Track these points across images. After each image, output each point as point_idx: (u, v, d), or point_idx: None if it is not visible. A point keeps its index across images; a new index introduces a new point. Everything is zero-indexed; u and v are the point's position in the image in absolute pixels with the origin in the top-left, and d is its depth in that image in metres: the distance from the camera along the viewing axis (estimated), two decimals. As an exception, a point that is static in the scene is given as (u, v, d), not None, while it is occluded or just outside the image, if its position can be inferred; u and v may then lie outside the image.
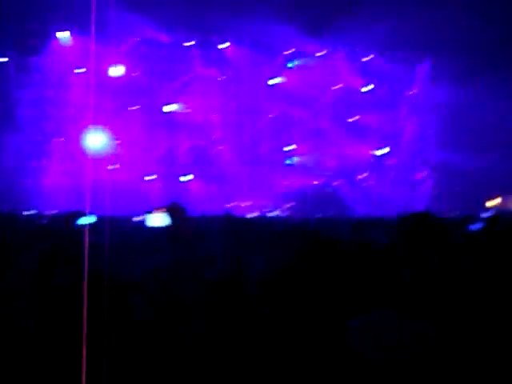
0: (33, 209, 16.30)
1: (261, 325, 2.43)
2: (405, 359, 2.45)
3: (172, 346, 2.77)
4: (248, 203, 20.83)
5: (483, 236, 5.24)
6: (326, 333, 2.36)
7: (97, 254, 3.73)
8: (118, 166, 20.81)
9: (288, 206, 21.16)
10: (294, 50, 21.74)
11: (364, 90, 22.62)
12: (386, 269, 3.32)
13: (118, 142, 20.87)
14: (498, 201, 19.95)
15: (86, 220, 3.95)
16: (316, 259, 2.53)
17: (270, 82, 21.91)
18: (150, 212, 3.43)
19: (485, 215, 6.54)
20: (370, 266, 3.39)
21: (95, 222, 3.97)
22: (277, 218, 14.62)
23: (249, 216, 14.79)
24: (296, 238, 3.10)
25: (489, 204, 19.56)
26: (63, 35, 20.10)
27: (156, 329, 2.58)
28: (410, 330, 2.63)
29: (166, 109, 21.28)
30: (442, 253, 3.84)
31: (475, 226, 6.13)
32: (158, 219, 3.41)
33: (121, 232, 4.83)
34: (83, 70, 20.27)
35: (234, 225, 5.16)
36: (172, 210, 3.22)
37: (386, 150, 23.08)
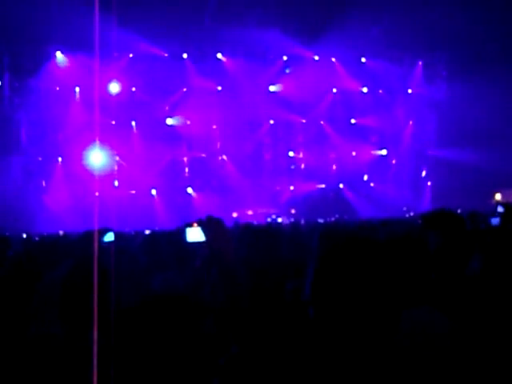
0: (38, 228, 16.29)
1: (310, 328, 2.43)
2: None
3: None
4: (254, 211, 20.85)
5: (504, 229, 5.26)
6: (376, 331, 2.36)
7: (134, 270, 3.76)
8: (121, 181, 20.88)
9: (293, 211, 21.19)
10: (289, 56, 21.77)
11: (361, 91, 22.70)
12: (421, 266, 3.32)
13: (120, 158, 20.92)
14: (499, 195, 19.99)
15: (111, 237, 3.96)
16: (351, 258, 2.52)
17: (271, 89, 21.97)
18: (187, 226, 3.40)
19: (500, 210, 6.56)
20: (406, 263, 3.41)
21: (125, 238, 3.99)
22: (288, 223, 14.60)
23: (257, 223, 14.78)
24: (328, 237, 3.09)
25: (497, 198, 19.58)
26: (59, 55, 20.14)
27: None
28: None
29: (168, 122, 21.35)
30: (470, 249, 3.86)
31: (495, 220, 6.16)
32: (197, 234, 3.39)
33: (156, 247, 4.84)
34: (79, 88, 20.35)
35: (256, 232, 5.18)
36: (208, 224, 3.19)
37: (384, 151, 23.15)
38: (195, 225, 3.24)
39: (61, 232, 7.72)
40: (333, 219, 16.79)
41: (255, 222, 15.52)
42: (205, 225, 3.24)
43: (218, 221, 3.17)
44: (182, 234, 3.26)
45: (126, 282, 3.22)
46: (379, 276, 2.26)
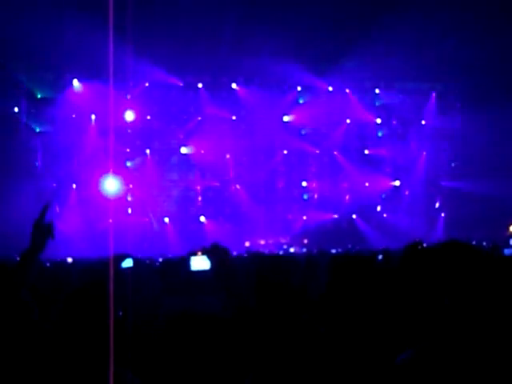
0: (52, 254, 16.31)
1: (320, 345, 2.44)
2: None
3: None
4: (266, 240, 20.82)
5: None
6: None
7: (146, 295, 3.77)
8: (134, 208, 20.95)
9: (306, 241, 21.12)
10: (303, 86, 21.88)
11: (375, 122, 22.73)
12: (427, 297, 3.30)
13: (132, 185, 21.02)
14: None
15: (129, 262, 3.98)
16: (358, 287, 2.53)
17: (285, 119, 22.07)
18: (192, 254, 3.39)
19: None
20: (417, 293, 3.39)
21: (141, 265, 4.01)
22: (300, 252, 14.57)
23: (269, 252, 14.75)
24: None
25: (511, 230, 19.43)
26: (76, 83, 20.38)
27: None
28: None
29: (182, 150, 21.46)
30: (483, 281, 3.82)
31: (509, 251, 6.11)
32: (202, 262, 3.38)
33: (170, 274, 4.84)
34: (94, 116, 20.54)
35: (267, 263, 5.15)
36: (214, 252, 3.19)
37: (397, 182, 23.10)
38: (199, 253, 3.24)
39: (69, 259, 7.70)
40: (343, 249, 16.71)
41: (267, 252, 15.53)
42: (210, 252, 3.23)
43: (223, 248, 3.18)
44: (186, 262, 3.26)
45: (141, 307, 3.23)
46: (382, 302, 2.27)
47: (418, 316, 3.32)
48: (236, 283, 3.17)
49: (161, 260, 9.23)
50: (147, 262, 8.20)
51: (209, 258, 3.26)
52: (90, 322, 2.90)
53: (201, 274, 3.56)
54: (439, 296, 3.25)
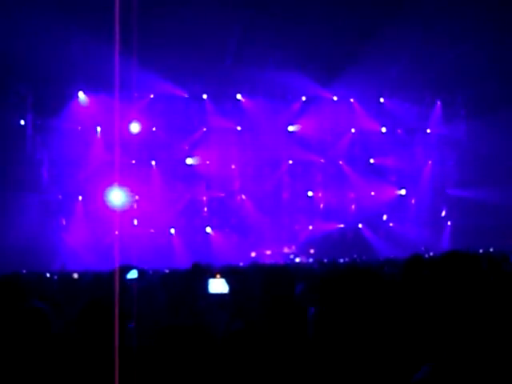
0: (58, 266, 16.36)
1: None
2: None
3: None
4: (272, 251, 20.80)
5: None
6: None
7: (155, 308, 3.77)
8: (140, 220, 20.96)
9: (312, 251, 21.09)
10: (307, 96, 21.88)
11: (380, 131, 22.71)
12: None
13: (139, 197, 21.04)
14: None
15: (134, 274, 3.98)
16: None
17: (290, 129, 22.09)
18: (211, 277, 3.38)
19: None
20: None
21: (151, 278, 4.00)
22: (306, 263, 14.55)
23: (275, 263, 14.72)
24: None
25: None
26: (81, 95, 20.45)
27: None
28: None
29: (187, 161, 21.49)
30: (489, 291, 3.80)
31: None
32: (220, 285, 3.37)
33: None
34: (100, 128, 20.60)
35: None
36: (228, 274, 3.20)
37: (403, 191, 23.07)
38: (218, 276, 3.23)
39: (75, 275, 7.70)
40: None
41: (273, 262, 15.51)
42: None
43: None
44: (204, 284, 3.24)
45: (146, 318, 3.22)
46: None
47: (423, 329, 3.31)
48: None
49: (167, 271, 9.22)
50: (152, 273, 8.21)
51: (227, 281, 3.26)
52: (101, 333, 2.91)
53: (219, 296, 3.55)
54: (442, 307, 3.24)
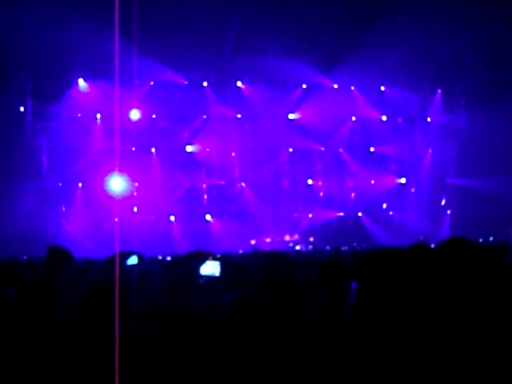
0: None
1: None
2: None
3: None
4: (272, 239, 20.85)
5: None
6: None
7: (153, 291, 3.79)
8: (140, 207, 20.98)
9: (311, 239, 21.13)
10: (308, 84, 21.83)
11: (380, 120, 22.69)
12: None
13: (139, 184, 21.04)
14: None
15: (134, 260, 3.99)
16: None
17: (290, 117, 22.05)
18: (204, 259, 3.38)
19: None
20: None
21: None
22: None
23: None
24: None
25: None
26: (81, 82, 20.41)
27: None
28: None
29: (187, 149, 21.47)
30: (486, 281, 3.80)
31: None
32: (211, 268, 3.37)
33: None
34: (100, 115, 20.57)
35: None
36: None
37: (403, 180, 23.07)
38: (210, 258, 3.23)
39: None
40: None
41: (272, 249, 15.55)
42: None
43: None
44: (196, 267, 3.25)
45: (146, 304, 3.24)
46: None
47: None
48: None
49: (168, 258, 9.25)
50: (152, 259, 8.22)
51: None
52: (103, 319, 2.93)
53: (210, 279, 3.56)
54: (444, 296, 3.24)
